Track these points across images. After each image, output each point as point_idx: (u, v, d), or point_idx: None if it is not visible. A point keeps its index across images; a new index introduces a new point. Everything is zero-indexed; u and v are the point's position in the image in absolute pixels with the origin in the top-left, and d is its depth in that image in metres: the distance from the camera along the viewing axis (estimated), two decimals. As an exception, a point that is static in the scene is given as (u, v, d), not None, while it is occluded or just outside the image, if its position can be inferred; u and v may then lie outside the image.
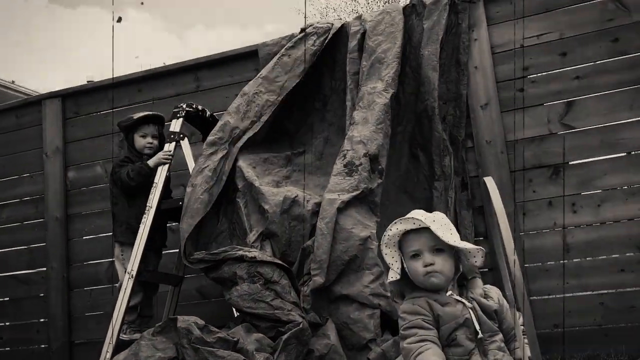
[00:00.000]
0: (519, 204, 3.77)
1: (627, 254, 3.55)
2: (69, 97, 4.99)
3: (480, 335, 1.97)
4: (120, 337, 3.66)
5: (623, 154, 3.65)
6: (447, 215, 3.74)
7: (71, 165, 4.92)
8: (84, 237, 4.80)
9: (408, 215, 2.06)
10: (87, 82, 5.42)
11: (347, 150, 3.54)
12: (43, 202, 4.91)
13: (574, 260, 3.64)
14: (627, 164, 3.63)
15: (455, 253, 2.07)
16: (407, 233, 2.07)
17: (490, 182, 1.40)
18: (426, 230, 2.01)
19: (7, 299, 4.96)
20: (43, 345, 4.73)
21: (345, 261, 3.22)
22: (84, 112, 4.94)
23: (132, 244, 3.70)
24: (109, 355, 3.59)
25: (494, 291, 2.20)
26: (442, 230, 1.98)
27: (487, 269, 3.63)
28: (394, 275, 2.12)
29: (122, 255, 3.90)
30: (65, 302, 4.72)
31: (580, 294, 3.61)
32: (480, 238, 3.84)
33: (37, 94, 5.87)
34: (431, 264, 2.00)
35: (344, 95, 4.00)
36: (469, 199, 3.89)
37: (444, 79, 3.98)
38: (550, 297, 3.66)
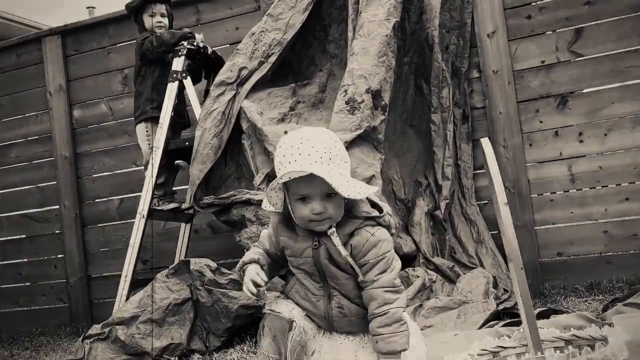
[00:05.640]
0: (525, 135, 3.75)
1: (632, 183, 3.57)
2: (69, 34, 4.90)
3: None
4: (153, 208, 3.83)
5: (632, 82, 3.59)
6: (445, 149, 3.75)
7: (76, 103, 4.90)
8: (94, 175, 4.86)
9: (299, 164, 1.62)
10: (87, 8, 5.26)
11: (348, 85, 3.47)
12: (50, 141, 4.93)
13: (579, 190, 3.67)
14: (635, 92, 3.58)
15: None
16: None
17: (486, 143, 1.38)
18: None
19: (24, 236, 5.07)
20: (61, 280, 4.89)
21: (350, 201, 3.25)
22: (85, 49, 4.87)
23: (157, 119, 3.86)
24: (125, 292, 3.72)
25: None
26: (336, 180, 1.61)
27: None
28: (271, 207, 1.79)
29: (147, 132, 4.01)
30: (80, 238, 4.83)
31: (585, 222, 3.65)
32: (480, 171, 3.87)
33: (47, 27, 5.69)
34: (321, 212, 1.68)
35: (346, 26, 3.89)
36: (469, 132, 3.87)
37: (447, 6, 3.87)
38: (555, 226, 3.71)
